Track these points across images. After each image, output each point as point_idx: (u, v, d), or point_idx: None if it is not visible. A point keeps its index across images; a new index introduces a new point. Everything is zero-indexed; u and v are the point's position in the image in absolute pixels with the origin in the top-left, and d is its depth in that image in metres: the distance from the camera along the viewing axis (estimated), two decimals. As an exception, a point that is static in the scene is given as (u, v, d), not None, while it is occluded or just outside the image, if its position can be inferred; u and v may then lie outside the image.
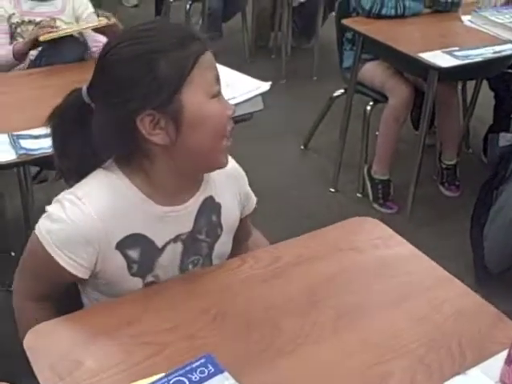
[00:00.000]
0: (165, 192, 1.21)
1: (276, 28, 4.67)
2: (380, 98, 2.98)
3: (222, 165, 1.21)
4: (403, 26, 2.89)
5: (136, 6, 5.70)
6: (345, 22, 2.97)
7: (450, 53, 2.56)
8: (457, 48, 2.59)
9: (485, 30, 2.81)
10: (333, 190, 3.14)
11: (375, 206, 3.03)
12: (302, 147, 3.49)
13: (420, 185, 2.90)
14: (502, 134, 2.51)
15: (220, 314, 1.16)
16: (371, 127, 3.07)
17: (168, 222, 1.22)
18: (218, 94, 1.16)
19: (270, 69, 4.31)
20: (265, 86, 2.05)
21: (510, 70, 3.03)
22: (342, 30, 3.11)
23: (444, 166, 3.17)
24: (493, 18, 2.82)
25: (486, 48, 2.61)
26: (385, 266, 1.34)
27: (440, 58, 2.52)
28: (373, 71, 3.00)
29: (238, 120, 2.00)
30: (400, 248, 1.39)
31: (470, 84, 3.42)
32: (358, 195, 3.11)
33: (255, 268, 1.30)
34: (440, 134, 3.20)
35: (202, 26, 4.47)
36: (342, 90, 3.16)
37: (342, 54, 3.18)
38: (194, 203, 1.25)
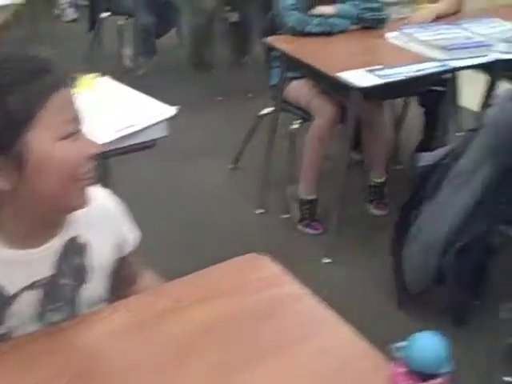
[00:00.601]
0: (16, 235, 1.11)
1: (213, 44, 4.60)
2: (306, 116, 2.92)
3: (79, 206, 1.12)
4: (328, 44, 2.84)
5: (74, 20, 5.59)
6: (269, 39, 2.91)
7: (372, 71, 2.51)
8: (380, 66, 2.54)
9: (409, 48, 2.77)
10: (260, 211, 3.07)
11: (300, 227, 2.96)
12: (231, 166, 3.41)
13: (347, 203, 2.85)
14: (422, 154, 2.46)
15: (75, 378, 1.06)
16: (299, 146, 3.00)
17: (20, 267, 1.12)
18: (72, 135, 1.06)
19: (207, 85, 4.24)
20: (170, 111, 1.95)
21: (437, 88, 3.01)
22: (269, 47, 3.05)
23: (372, 184, 3.13)
24: (417, 36, 2.79)
25: (410, 66, 2.57)
26: (272, 309, 1.25)
27: (361, 77, 2.48)
28: (298, 90, 2.94)
29: (139, 148, 1.92)
30: (289, 288, 1.31)
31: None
32: (284, 216, 3.03)
33: (126, 317, 1.20)
34: (367, 152, 3.15)
35: (135, 43, 4.37)
36: (271, 108, 3.09)
37: (270, 71, 3.11)
38: (53, 245, 1.15)
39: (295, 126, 2.94)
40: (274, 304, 1.26)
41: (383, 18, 2.95)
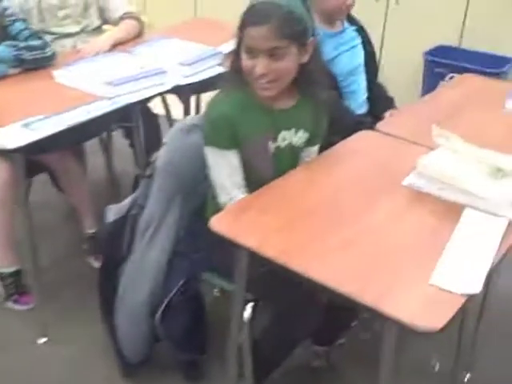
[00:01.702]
0: None
1: None
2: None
3: None
4: None
5: None
6: None
7: (28, 125, 2.15)
8: (41, 116, 2.21)
9: (78, 87, 2.45)
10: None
11: (9, 304, 2.58)
12: None
13: (68, 258, 2.60)
14: (108, 208, 2.19)
15: None
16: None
17: None
18: None
19: None
20: None
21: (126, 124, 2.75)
22: None
23: (88, 236, 2.85)
24: (84, 72, 2.50)
25: (76, 111, 2.27)
26: None
27: (13, 136, 2.10)
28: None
29: None
30: None
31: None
32: None
33: None
34: (72, 202, 2.88)
35: None
36: None
37: None
38: None
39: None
40: None
41: (48, 56, 2.63)
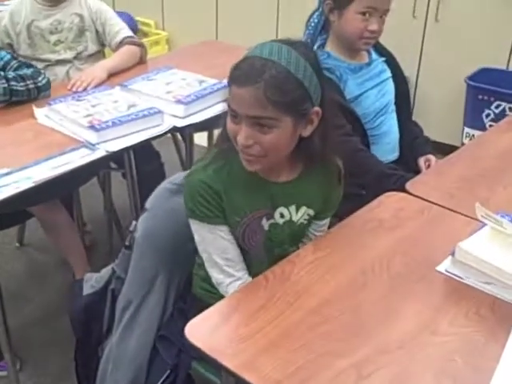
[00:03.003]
0: None
1: None
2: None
3: None
4: None
5: None
6: None
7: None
8: (9, 169, 1.87)
9: (62, 130, 2.11)
10: None
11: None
12: None
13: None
14: (87, 275, 1.86)
15: None
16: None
17: None
18: None
19: None
20: None
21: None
22: None
23: None
24: (67, 112, 2.15)
25: (56, 159, 1.92)
26: None
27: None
28: None
29: None
30: None
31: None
32: None
33: None
34: (61, 253, 2.57)
35: None
36: None
37: None
38: None
39: None
40: None
41: (42, 86, 2.31)
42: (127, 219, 2.67)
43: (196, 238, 1.54)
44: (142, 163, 2.41)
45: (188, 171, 1.53)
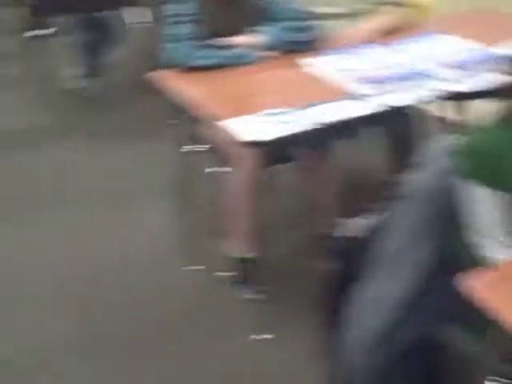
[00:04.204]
0: None
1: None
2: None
3: None
4: (223, 81, 2.33)
5: None
6: (149, 75, 2.45)
7: (274, 116, 2.04)
8: (285, 109, 2.06)
9: (327, 80, 2.26)
10: (193, 267, 2.64)
11: (233, 288, 2.53)
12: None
13: (301, 255, 2.56)
14: (347, 221, 2.00)
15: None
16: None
17: None
18: None
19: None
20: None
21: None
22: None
23: (321, 235, 2.65)
24: (337, 65, 2.30)
25: (321, 106, 2.07)
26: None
27: (263, 126, 2.01)
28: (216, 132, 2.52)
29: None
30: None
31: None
32: (219, 274, 2.59)
33: None
34: (313, 200, 2.71)
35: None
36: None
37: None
38: None
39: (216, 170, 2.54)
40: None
41: (309, 41, 2.48)
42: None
43: (472, 203, 1.58)
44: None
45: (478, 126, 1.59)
